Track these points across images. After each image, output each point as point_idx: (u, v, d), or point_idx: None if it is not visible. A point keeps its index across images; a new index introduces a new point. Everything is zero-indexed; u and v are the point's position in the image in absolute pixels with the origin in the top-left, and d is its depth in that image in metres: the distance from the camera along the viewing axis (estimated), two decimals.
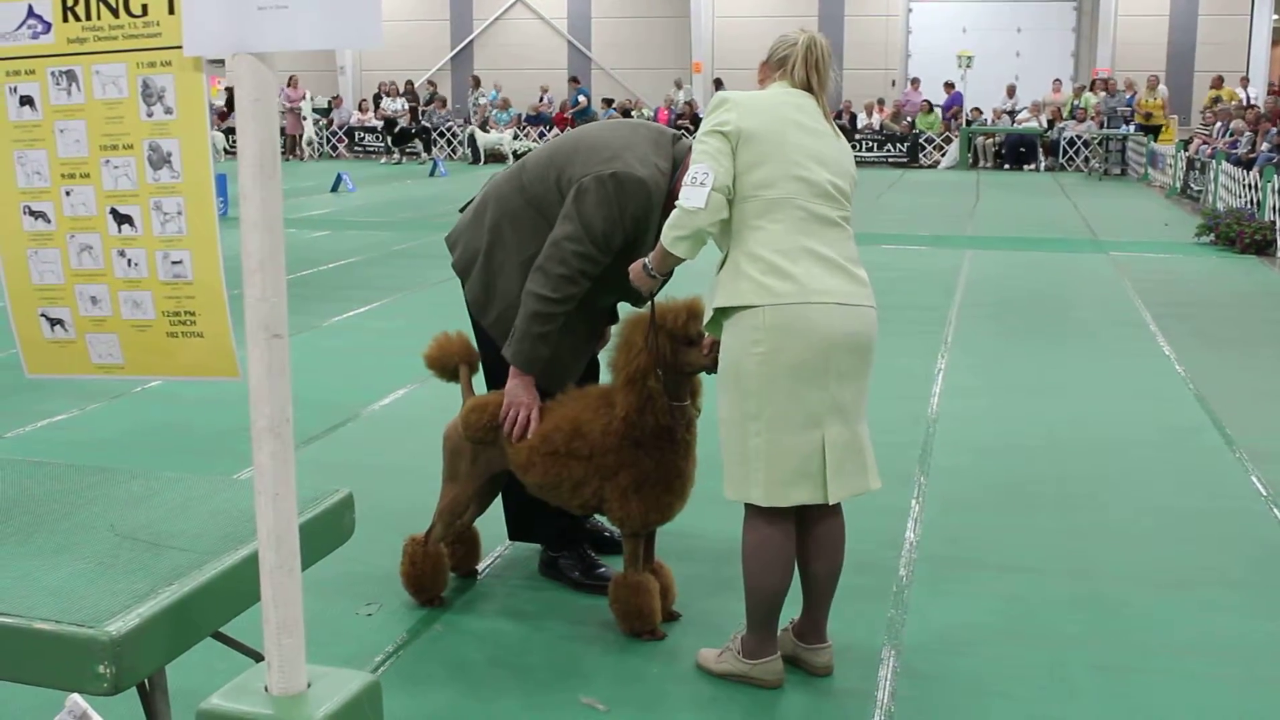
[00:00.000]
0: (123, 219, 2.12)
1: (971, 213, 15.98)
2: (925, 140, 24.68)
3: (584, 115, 26.22)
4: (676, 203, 3.06)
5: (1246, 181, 13.47)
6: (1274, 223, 12.11)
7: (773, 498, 3.08)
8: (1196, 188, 16.72)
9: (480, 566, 4.01)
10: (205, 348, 2.14)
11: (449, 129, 26.58)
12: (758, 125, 3.07)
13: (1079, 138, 23.25)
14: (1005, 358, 7.42)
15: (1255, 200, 12.93)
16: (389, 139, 26.30)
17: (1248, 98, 21.44)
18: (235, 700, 1.92)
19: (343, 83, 30.34)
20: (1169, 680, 3.35)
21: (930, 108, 25.02)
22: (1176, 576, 4.07)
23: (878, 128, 25.18)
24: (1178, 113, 24.66)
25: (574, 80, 27.24)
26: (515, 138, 25.30)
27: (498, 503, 3.94)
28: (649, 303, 3.32)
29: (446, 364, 3.73)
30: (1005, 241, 12.87)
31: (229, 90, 23.69)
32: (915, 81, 26.49)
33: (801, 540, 3.22)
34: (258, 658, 2.31)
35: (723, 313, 3.10)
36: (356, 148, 27.10)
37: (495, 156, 24.72)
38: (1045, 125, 23.97)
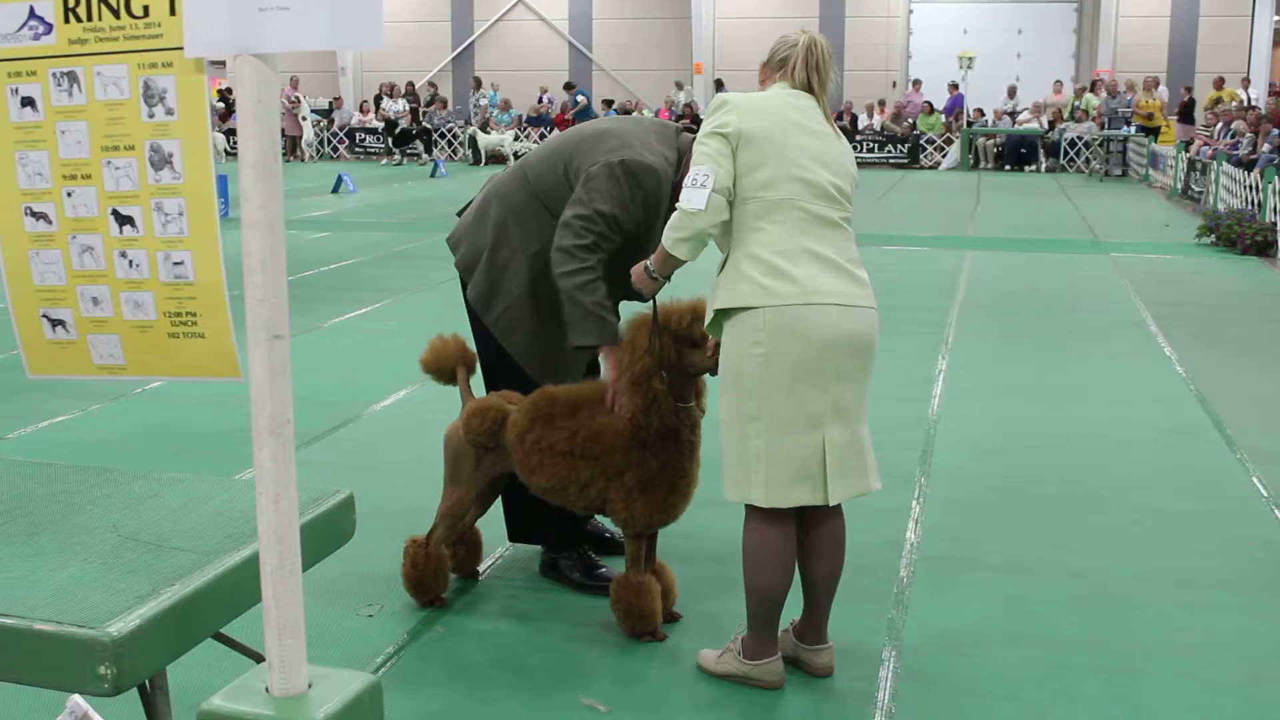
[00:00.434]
0: (124, 220, 2.12)
1: (972, 214, 15.98)
2: (926, 141, 24.68)
3: (584, 116, 26.24)
4: (677, 204, 3.07)
5: (1247, 183, 13.47)
6: (1275, 224, 12.10)
7: (773, 499, 3.08)
8: (1197, 189, 16.72)
9: (481, 567, 4.01)
10: (206, 348, 2.14)
11: (450, 130, 26.58)
12: (758, 126, 3.07)
13: (1080, 139, 23.24)
14: (1006, 359, 7.42)
15: (1256, 201, 12.93)
16: (390, 140, 26.30)
17: (1248, 99, 21.44)
18: (236, 701, 1.92)
19: (343, 84, 30.33)
20: (1169, 681, 3.35)
21: (931, 109, 25.03)
22: (1177, 577, 4.07)
23: (878, 129, 25.18)
24: (1178, 114, 24.65)
25: (568, 86, 27.26)
26: (516, 139, 25.31)
27: (498, 503, 3.94)
28: (652, 304, 3.33)
29: (443, 368, 3.73)
30: (1006, 243, 12.87)
31: (220, 91, 23.73)
32: (916, 83, 26.50)
33: (802, 541, 3.22)
34: (258, 658, 2.31)
35: (723, 314, 3.10)
36: (357, 149, 27.11)
37: (496, 158, 24.72)
38: (1046, 126, 23.97)
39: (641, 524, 3.42)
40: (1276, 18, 25.77)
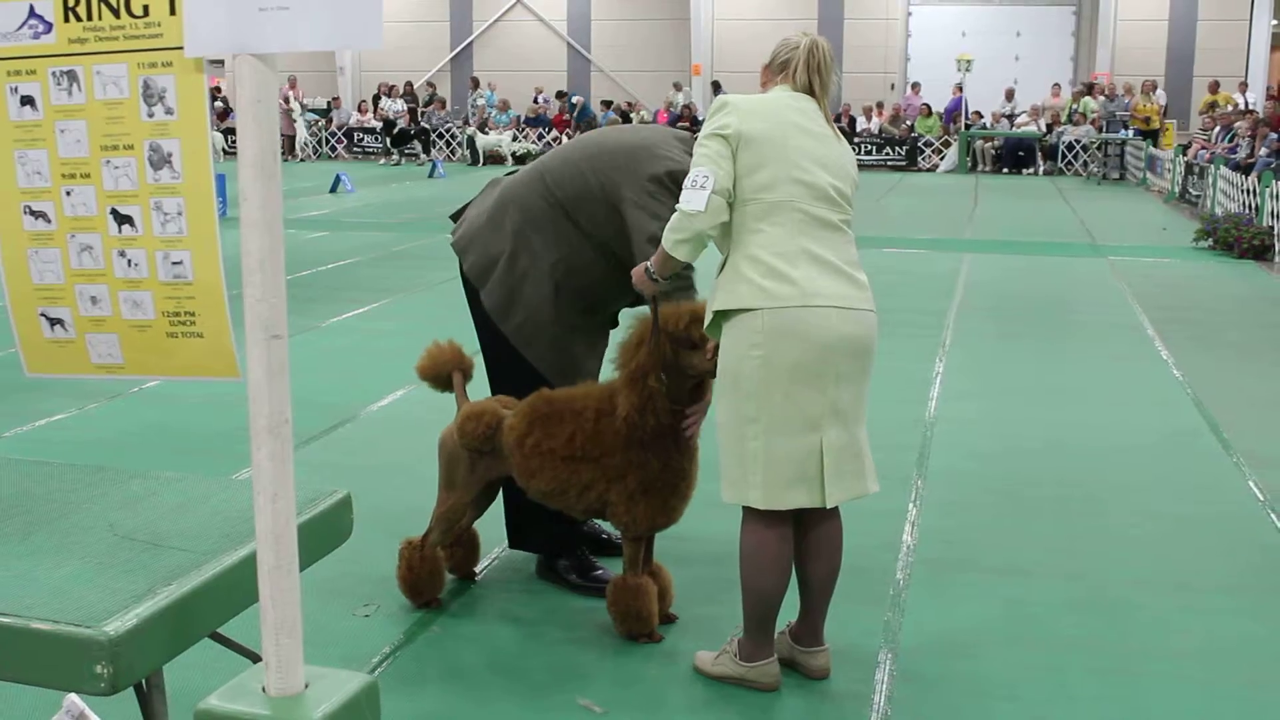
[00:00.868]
0: (123, 219, 2.12)
1: (970, 216, 16.00)
2: (924, 144, 24.70)
3: (584, 116, 26.25)
4: (677, 206, 3.07)
5: (1245, 186, 13.48)
6: (1272, 227, 12.12)
7: (771, 500, 3.08)
8: (1195, 192, 16.74)
9: (478, 568, 4.01)
10: (205, 348, 2.14)
11: (448, 130, 26.58)
12: (758, 128, 3.07)
13: (1077, 142, 23.26)
14: (1003, 361, 7.42)
15: (1253, 205, 12.95)
16: (388, 140, 26.30)
17: (1245, 103, 21.46)
18: (233, 701, 1.92)
19: (342, 83, 30.32)
20: (1167, 683, 3.35)
21: (929, 111, 25.04)
22: (1174, 580, 4.07)
23: (876, 131, 25.20)
24: (1176, 118, 24.69)
25: (560, 95, 27.29)
26: (514, 139, 25.31)
27: (497, 504, 3.94)
28: (652, 304, 3.32)
29: (440, 373, 3.73)
30: (1004, 245, 12.88)
31: (214, 91, 23.73)
32: (915, 85, 26.52)
33: (799, 543, 3.22)
34: (255, 658, 2.31)
35: (722, 315, 3.10)
36: (355, 149, 27.10)
37: (494, 158, 24.73)
38: (1044, 129, 23.99)
39: (643, 527, 3.41)
40: (1275, 22, 25.81)
